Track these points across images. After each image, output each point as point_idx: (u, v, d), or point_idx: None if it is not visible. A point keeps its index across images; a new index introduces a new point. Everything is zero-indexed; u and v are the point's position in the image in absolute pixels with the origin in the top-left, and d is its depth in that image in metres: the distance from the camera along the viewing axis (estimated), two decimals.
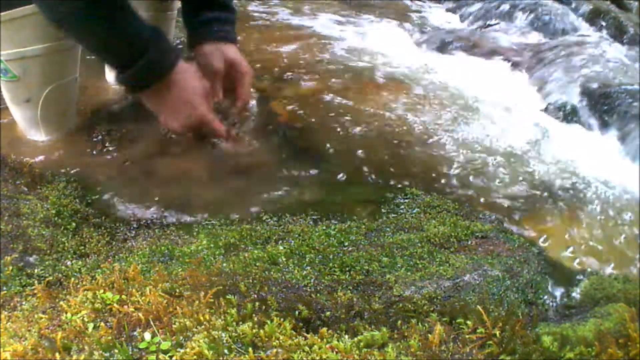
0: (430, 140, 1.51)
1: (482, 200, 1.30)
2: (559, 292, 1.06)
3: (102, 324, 0.75)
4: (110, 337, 0.73)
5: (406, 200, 1.25)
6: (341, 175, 1.34)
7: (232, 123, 1.41)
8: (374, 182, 1.32)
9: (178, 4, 1.55)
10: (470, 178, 1.38)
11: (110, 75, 1.57)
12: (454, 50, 2.21)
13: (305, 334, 0.76)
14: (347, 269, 0.96)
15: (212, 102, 1.23)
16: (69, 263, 0.96)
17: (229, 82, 1.33)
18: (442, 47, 2.24)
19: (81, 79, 1.38)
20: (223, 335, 0.73)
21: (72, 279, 0.89)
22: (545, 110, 1.79)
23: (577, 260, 1.16)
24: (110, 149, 1.34)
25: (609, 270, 1.14)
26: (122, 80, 1.12)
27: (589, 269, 1.13)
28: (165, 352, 0.71)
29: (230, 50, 1.33)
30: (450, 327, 0.83)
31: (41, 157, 1.30)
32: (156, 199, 1.20)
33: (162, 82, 1.11)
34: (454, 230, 1.11)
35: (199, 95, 1.17)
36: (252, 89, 1.46)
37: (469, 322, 0.82)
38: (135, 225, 1.13)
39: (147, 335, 0.73)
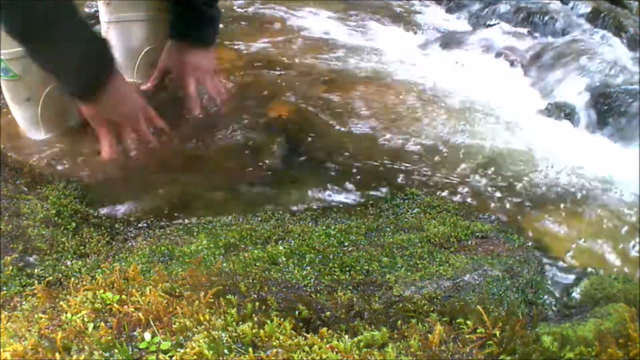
0: (430, 140, 1.51)
1: (482, 200, 1.30)
2: (559, 292, 1.06)
3: (102, 324, 0.75)
4: (110, 337, 0.73)
5: (406, 200, 1.25)
6: (341, 175, 1.34)
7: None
8: (374, 182, 1.32)
9: None
10: (470, 178, 1.38)
11: None
12: (454, 50, 2.20)
13: (305, 334, 0.76)
14: (347, 269, 0.96)
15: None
16: (69, 263, 0.96)
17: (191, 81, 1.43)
18: (442, 47, 2.24)
19: None
20: (223, 335, 0.73)
21: (72, 279, 0.89)
22: (545, 110, 1.79)
23: (577, 260, 1.16)
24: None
25: (609, 270, 1.14)
26: (66, 91, 1.22)
27: (589, 269, 1.13)
28: (165, 352, 0.71)
29: (190, 53, 1.42)
30: (450, 327, 0.83)
31: (41, 157, 1.29)
32: (156, 198, 1.20)
33: (101, 90, 1.19)
34: (454, 230, 1.11)
35: (137, 97, 1.29)
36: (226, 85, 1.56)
37: (469, 322, 0.82)
38: (135, 225, 1.13)
39: (147, 335, 0.73)
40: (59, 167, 1.27)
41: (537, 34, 2.37)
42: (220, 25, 1.52)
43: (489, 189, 1.35)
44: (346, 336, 0.77)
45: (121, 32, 1.46)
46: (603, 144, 1.66)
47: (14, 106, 1.33)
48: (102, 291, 0.82)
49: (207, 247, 1.02)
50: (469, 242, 1.08)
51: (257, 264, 0.94)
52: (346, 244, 1.05)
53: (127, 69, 1.49)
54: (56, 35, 1.10)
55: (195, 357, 0.69)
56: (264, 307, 0.80)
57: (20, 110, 1.33)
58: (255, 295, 0.83)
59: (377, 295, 0.89)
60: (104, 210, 1.17)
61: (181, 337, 0.73)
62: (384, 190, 1.29)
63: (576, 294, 1.05)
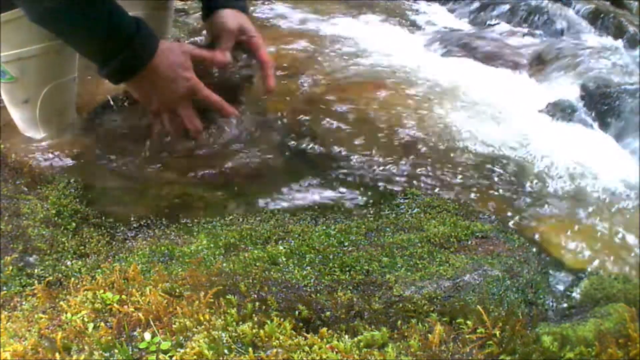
0: (430, 140, 1.51)
1: (482, 200, 1.30)
2: (559, 292, 1.06)
3: (102, 324, 0.75)
4: (110, 337, 0.73)
5: (406, 200, 1.25)
6: (342, 175, 1.34)
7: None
8: (374, 182, 1.32)
9: (175, 3, 1.55)
10: (471, 178, 1.37)
11: None
12: (454, 50, 2.20)
13: (305, 334, 0.76)
14: (347, 269, 0.96)
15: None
16: (69, 263, 0.96)
17: (241, 48, 1.35)
18: (442, 47, 2.24)
19: (80, 78, 1.38)
20: (223, 335, 0.73)
21: (72, 279, 0.89)
22: (545, 109, 1.79)
23: (577, 260, 1.16)
24: (111, 147, 1.34)
25: (609, 270, 1.14)
26: (105, 74, 1.17)
27: (589, 269, 1.13)
28: (165, 352, 0.71)
29: (241, 17, 1.36)
30: (450, 327, 0.83)
31: (41, 157, 1.29)
32: (156, 198, 1.20)
33: (145, 69, 1.15)
34: (454, 230, 1.11)
35: (183, 68, 1.20)
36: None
37: (469, 322, 0.82)
38: (135, 225, 1.13)
39: (147, 335, 0.73)
40: (59, 167, 1.27)
41: (537, 34, 2.37)
42: None
43: (489, 189, 1.35)
44: (346, 336, 0.77)
45: None
46: (603, 144, 1.66)
47: (12, 108, 1.33)
48: (102, 291, 0.82)
49: (207, 247, 1.02)
50: (469, 242, 1.08)
51: (257, 264, 0.94)
52: (346, 244, 1.05)
53: None
54: (83, 16, 1.08)
55: (195, 357, 0.69)
56: (264, 307, 0.80)
57: (18, 112, 1.33)
58: (255, 295, 0.83)
59: (377, 295, 0.89)
60: (103, 211, 1.16)
61: (181, 337, 0.73)
62: (384, 190, 1.29)
63: (576, 294, 1.05)
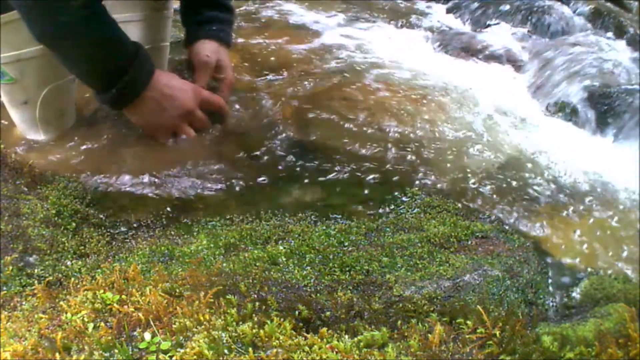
0: (430, 140, 1.51)
1: (482, 200, 1.30)
2: (559, 292, 1.06)
3: (102, 324, 0.75)
4: (110, 337, 0.73)
5: (406, 200, 1.25)
6: (342, 175, 1.34)
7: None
8: (375, 182, 1.32)
9: (174, 4, 1.55)
10: (470, 178, 1.37)
11: None
12: (454, 50, 2.20)
13: (305, 334, 0.76)
14: (347, 269, 0.96)
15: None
16: (69, 263, 0.96)
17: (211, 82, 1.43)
18: (443, 48, 2.24)
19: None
20: (223, 335, 0.73)
21: (72, 279, 0.89)
22: (545, 109, 1.79)
23: (577, 260, 1.16)
24: (111, 147, 1.34)
25: (609, 270, 1.14)
26: (103, 101, 1.23)
27: (589, 269, 1.13)
28: (165, 352, 0.71)
29: (222, 52, 1.43)
30: (450, 327, 0.83)
31: (41, 157, 1.29)
32: (156, 198, 1.20)
33: (141, 96, 1.21)
34: (454, 230, 1.11)
35: (180, 92, 1.27)
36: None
37: (469, 322, 0.83)
38: (135, 225, 1.13)
39: (147, 335, 0.73)
40: (59, 167, 1.27)
41: (537, 34, 2.37)
42: None
43: (489, 188, 1.35)
44: (346, 336, 0.77)
45: None
46: (603, 143, 1.66)
47: (12, 109, 1.33)
48: (102, 291, 0.82)
49: (207, 247, 1.02)
50: (469, 242, 1.08)
51: (257, 264, 0.94)
52: (346, 244, 1.05)
53: None
54: (84, 39, 1.12)
55: (195, 357, 0.69)
56: (264, 307, 0.80)
57: (18, 113, 1.33)
58: (255, 295, 0.83)
59: (377, 295, 0.89)
60: (104, 210, 1.16)
61: (181, 337, 0.73)
62: (384, 190, 1.29)
63: (576, 294, 1.05)
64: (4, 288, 0.87)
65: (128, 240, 1.07)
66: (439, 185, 1.33)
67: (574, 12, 2.52)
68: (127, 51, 1.17)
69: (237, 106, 1.53)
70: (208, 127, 1.37)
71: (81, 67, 1.20)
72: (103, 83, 1.19)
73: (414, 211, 1.21)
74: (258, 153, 1.38)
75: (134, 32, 1.45)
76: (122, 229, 1.11)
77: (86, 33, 1.11)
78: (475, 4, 2.68)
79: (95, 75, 1.20)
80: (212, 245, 1.03)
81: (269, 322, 0.76)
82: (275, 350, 0.71)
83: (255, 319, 0.77)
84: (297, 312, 0.81)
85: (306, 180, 1.31)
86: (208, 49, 1.40)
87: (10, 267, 0.90)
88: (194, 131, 1.33)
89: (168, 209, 1.18)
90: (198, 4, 1.44)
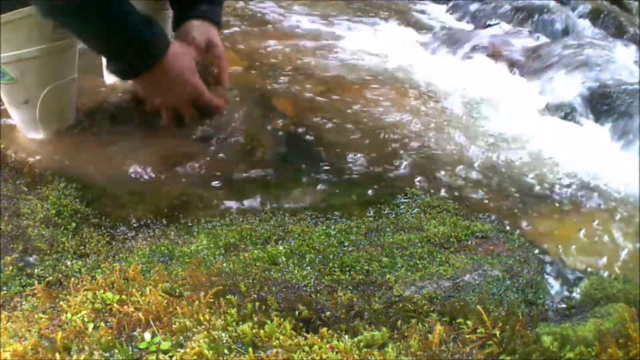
0: (431, 140, 1.51)
1: (482, 200, 1.30)
2: (559, 292, 1.06)
3: (102, 324, 0.75)
4: (110, 337, 0.73)
5: (406, 200, 1.25)
6: (342, 175, 1.34)
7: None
8: (375, 182, 1.32)
9: None
10: (471, 178, 1.37)
11: (108, 76, 1.57)
12: (454, 50, 2.20)
13: (305, 334, 0.76)
14: (347, 269, 0.96)
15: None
16: (69, 263, 0.96)
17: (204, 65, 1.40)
18: (443, 48, 2.24)
19: (79, 79, 1.38)
20: (223, 335, 0.73)
21: (72, 279, 0.89)
22: (545, 109, 1.79)
23: (577, 260, 1.16)
24: (111, 147, 1.34)
25: (609, 270, 1.14)
26: (115, 69, 1.22)
27: (589, 269, 1.13)
28: (165, 352, 0.71)
29: (212, 31, 1.40)
30: (450, 327, 0.83)
31: (41, 157, 1.29)
32: (156, 198, 1.20)
33: (155, 67, 1.20)
34: (454, 230, 1.11)
35: (191, 71, 1.28)
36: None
37: (469, 322, 0.82)
38: (135, 225, 1.13)
39: (147, 335, 0.73)
40: (59, 167, 1.27)
41: (537, 34, 2.37)
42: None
43: (489, 189, 1.35)
44: (346, 336, 0.77)
45: None
46: (603, 143, 1.66)
47: (12, 109, 1.33)
48: (102, 291, 0.82)
49: (207, 247, 1.02)
50: (469, 242, 1.08)
51: (257, 264, 0.94)
52: (346, 244, 1.05)
53: None
54: (95, 12, 1.11)
55: (195, 357, 0.69)
56: (264, 307, 0.80)
57: (18, 113, 1.32)
58: (255, 295, 0.83)
59: (377, 295, 0.89)
60: (103, 210, 1.17)
61: (181, 337, 0.73)
62: (384, 190, 1.29)
63: (576, 294, 1.05)
64: (4, 288, 0.87)
65: (128, 240, 1.07)
66: (439, 185, 1.33)
67: (574, 12, 2.52)
68: (139, 25, 1.16)
69: (236, 105, 1.53)
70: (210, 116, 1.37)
71: (89, 37, 1.19)
72: (115, 52, 1.19)
73: (414, 211, 1.21)
74: (258, 153, 1.38)
75: None
76: (122, 229, 1.11)
77: (95, 8, 1.10)
78: (475, 4, 2.68)
79: (105, 46, 1.20)
80: (212, 245, 1.03)
81: (269, 322, 0.76)
82: (275, 350, 0.71)
83: (255, 319, 0.77)
84: (297, 312, 0.81)
85: (306, 180, 1.31)
86: (196, 29, 1.38)
87: (10, 267, 0.90)
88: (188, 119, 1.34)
89: (168, 209, 1.18)
90: None
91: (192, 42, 1.36)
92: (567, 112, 1.76)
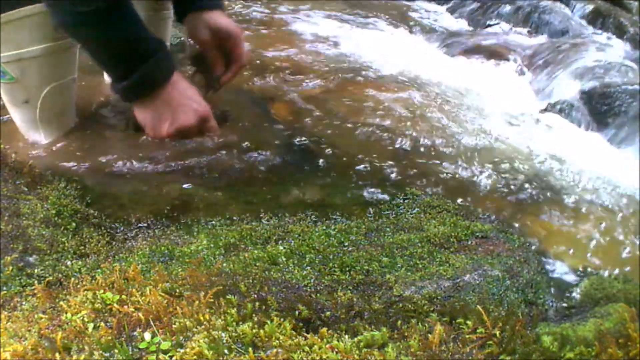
0: (430, 140, 1.51)
1: (482, 200, 1.30)
2: (559, 292, 1.06)
3: (102, 324, 0.75)
4: (110, 337, 0.73)
5: (406, 200, 1.25)
6: (342, 175, 1.34)
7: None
8: (375, 182, 1.32)
9: None
10: (471, 178, 1.38)
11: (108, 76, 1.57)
12: (454, 50, 2.20)
13: (305, 334, 0.76)
14: (347, 269, 0.96)
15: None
16: (69, 263, 0.96)
17: (222, 49, 1.37)
18: (442, 48, 2.24)
19: (79, 79, 1.38)
20: (223, 335, 0.73)
21: (72, 279, 0.89)
22: (545, 110, 1.79)
23: (577, 260, 1.16)
24: (111, 147, 1.34)
25: (609, 270, 1.14)
26: (118, 89, 1.18)
27: (589, 269, 1.13)
28: (165, 352, 0.71)
29: (213, 17, 1.35)
30: (450, 327, 0.83)
31: (41, 157, 1.29)
32: (156, 198, 1.20)
33: (162, 88, 1.17)
34: (454, 230, 1.11)
35: (196, 97, 1.23)
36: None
37: (469, 322, 0.82)
38: (135, 225, 1.13)
39: (147, 335, 0.73)
40: (59, 167, 1.27)
41: (537, 34, 2.37)
42: None
43: (489, 188, 1.35)
44: (346, 336, 0.77)
45: None
46: (603, 144, 1.66)
47: (12, 109, 1.33)
48: (102, 291, 0.82)
49: (207, 247, 1.02)
50: (469, 242, 1.08)
51: (257, 264, 0.94)
52: (346, 244, 1.05)
53: None
54: (106, 30, 1.09)
55: (195, 357, 0.69)
56: (264, 307, 0.80)
57: (18, 113, 1.32)
58: (255, 295, 0.83)
59: (377, 295, 0.89)
60: (104, 210, 1.16)
61: (181, 337, 0.73)
62: (384, 190, 1.29)
63: (576, 294, 1.05)
64: (4, 288, 0.87)
65: (128, 240, 1.07)
66: (439, 185, 1.33)
67: (574, 12, 2.52)
68: (147, 47, 1.14)
69: (236, 106, 1.53)
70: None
71: (98, 56, 1.17)
72: (118, 73, 1.16)
73: (414, 211, 1.21)
74: (258, 153, 1.38)
75: None
76: (122, 229, 1.11)
77: (104, 25, 1.09)
78: (475, 4, 2.68)
79: (114, 63, 1.17)
80: (212, 245, 1.03)
81: (269, 322, 0.76)
82: (275, 350, 0.71)
83: (255, 319, 0.77)
84: (297, 312, 0.81)
85: (306, 180, 1.31)
86: (199, 24, 1.34)
87: (10, 267, 0.90)
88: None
89: (168, 209, 1.18)
90: None
91: (199, 41, 1.35)
92: (566, 112, 1.76)
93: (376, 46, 2.15)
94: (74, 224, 1.07)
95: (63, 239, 1.02)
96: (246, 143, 1.40)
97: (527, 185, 1.38)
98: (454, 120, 1.62)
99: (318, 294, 0.87)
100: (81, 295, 0.82)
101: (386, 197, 1.26)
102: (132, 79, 1.14)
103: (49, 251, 0.97)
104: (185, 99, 1.21)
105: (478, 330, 0.81)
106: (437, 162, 1.42)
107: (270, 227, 1.11)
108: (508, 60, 2.11)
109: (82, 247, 1.02)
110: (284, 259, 0.98)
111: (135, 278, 0.85)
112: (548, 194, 1.36)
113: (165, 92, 1.18)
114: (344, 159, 1.40)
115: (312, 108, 1.61)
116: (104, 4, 1.06)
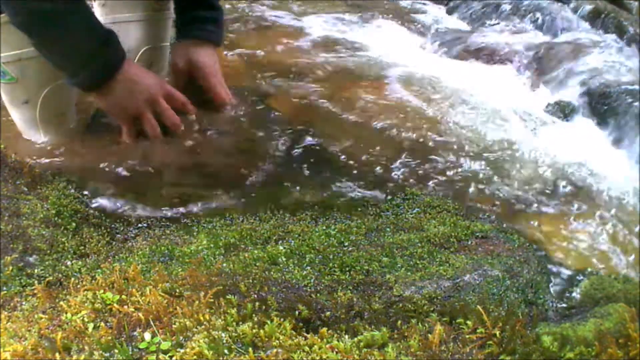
0: (430, 140, 1.51)
1: (482, 200, 1.30)
2: (559, 292, 1.06)
3: (102, 324, 0.75)
4: (110, 337, 0.73)
5: (406, 200, 1.25)
6: (342, 175, 1.34)
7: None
8: (375, 182, 1.32)
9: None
10: (471, 178, 1.38)
11: None
12: (454, 50, 2.20)
13: (305, 334, 0.76)
14: (347, 269, 0.96)
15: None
16: (69, 263, 0.96)
17: (194, 83, 1.43)
18: (442, 48, 2.24)
19: None
20: (223, 335, 0.73)
21: (72, 279, 0.89)
22: (546, 110, 1.79)
23: (577, 260, 1.16)
24: (110, 148, 1.34)
25: (609, 270, 1.14)
26: (77, 83, 1.23)
27: (589, 269, 1.13)
28: (165, 352, 0.71)
29: (198, 51, 1.42)
30: (450, 327, 0.83)
31: (41, 157, 1.29)
32: (156, 198, 1.20)
33: (115, 77, 1.21)
34: (454, 230, 1.11)
35: (151, 75, 1.30)
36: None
37: (469, 322, 0.82)
38: (135, 225, 1.13)
39: (147, 335, 0.73)
40: (59, 167, 1.27)
41: (537, 34, 2.37)
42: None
43: (489, 189, 1.35)
44: (346, 336, 0.77)
45: (118, 33, 1.46)
46: (603, 144, 1.66)
47: (12, 109, 1.33)
48: (102, 291, 0.82)
49: (207, 247, 1.02)
50: (469, 242, 1.08)
51: (257, 264, 0.94)
52: (346, 244, 1.05)
53: None
54: (62, 25, 1.13)
55: (195, 357, 0.69)
56: (264, 307, 0.80)
57: (18, 113, 1.33)
58: (255, 295, 0.83)
59: (377, 295, 0.89)
60: (103, 210, 1.17)
61: (181, 337, 0.73)
62: (384, 190, 1.29)
63: (576, 294, 1.05)
64: (4, 288, 0.87)
65: (128, 240, 1.07)
66: (438, 185, 1.33)
67: (574, 12, 2.52)
68: (98, 37, 1.19)
69: (236, 106, 1.53)
70: (176, 121, 1.33)
71: (52, 51, 1.20)
72: (73, 67, 1.21)
73: (414, 211, 1.21)
74: (258, 153, 1.38)
75: (134, 32, 1.46)
76: (122, 229, 1.11)
77: (56, 19, 1.13)
78: (475, 4, 2.68)
79: (66, 60, 1.21)
80: (212, 245, 1.03)
81: (269, 322, 0.76)
82: (275, 350, 0.71)
83: (255, 319, 0.77)
84: (297, 312, 0.81)
85: (306, 180, 1.31)
86: (179, 53, 1.43)
87: (10, 267, 0.90)
88: (159, 128, 1.32)
89: (168, 208, 1.18)
90: (182, 4, 1.46)
91: (173, 67, 1.42)
92: (567, 112, 1.76)
93: (376, 47, 2.15)
94: (74, 224, 1.07)
95: (63, 239, 1.02)
96: (246, 143, 1.40)
97: (527, 185, 1.38)
98: (454, 120, 1.62)
99: (318, 294, 0.87)
100: (81, 295, 0.82)
101: (386, 197, 1.26)
102: (90, 69, 1.19)
103: (49, 251, 0.97)
104: (141, 78, 1.26)
105: (478, 330, 0.81)
106: (437, 162, 1.42)
107: (270, 227, 1.11)
108: (508, 60, 2.11)
109: (82, 247, 1.02)
110: (284, 259, 0.98)
111: (135, 278, 0.85)
112: (548, 193, 1.36)
113: (122, 75, 1.22)
114: (344, 158, 1.40)
115: (312, 108, 1.61)
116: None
